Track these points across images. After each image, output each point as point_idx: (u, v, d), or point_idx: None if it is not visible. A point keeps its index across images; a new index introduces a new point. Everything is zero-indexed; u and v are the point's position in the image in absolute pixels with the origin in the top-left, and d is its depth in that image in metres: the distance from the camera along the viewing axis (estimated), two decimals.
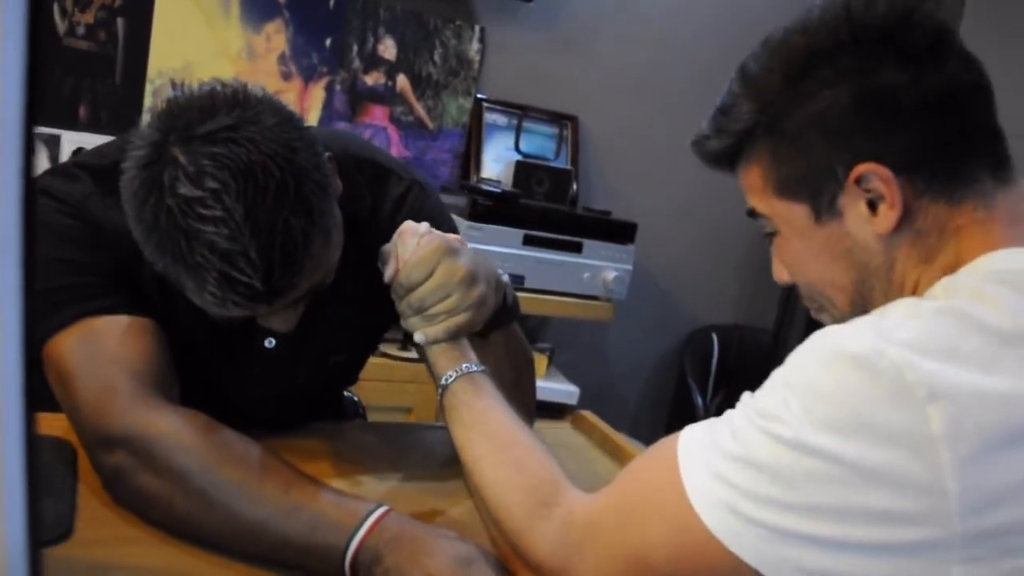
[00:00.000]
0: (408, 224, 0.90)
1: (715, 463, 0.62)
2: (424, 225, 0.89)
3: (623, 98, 2.53)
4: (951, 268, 0.68)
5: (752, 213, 0.79)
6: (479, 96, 2.35)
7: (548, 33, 2.40)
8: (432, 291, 0.85)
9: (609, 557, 0.67)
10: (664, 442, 0.68)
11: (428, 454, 1.09)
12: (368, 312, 1.01)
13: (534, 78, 2.41)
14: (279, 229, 0.71)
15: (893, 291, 0.72)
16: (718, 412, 2.48)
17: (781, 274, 0.82)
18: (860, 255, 0.72)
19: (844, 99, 0.69)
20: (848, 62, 0.69)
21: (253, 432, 0.81)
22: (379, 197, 1.00)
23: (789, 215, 0.74)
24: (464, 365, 0.87)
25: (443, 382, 0.87)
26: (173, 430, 0.76)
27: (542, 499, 0.73)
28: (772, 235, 0.79)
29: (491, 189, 2.10)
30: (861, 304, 0.74)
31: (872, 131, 0.69)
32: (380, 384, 1.22)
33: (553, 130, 2.42)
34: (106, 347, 0.81)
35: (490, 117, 2.35)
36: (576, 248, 2.15)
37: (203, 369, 0.93)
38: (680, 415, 2.73)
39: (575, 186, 2.35)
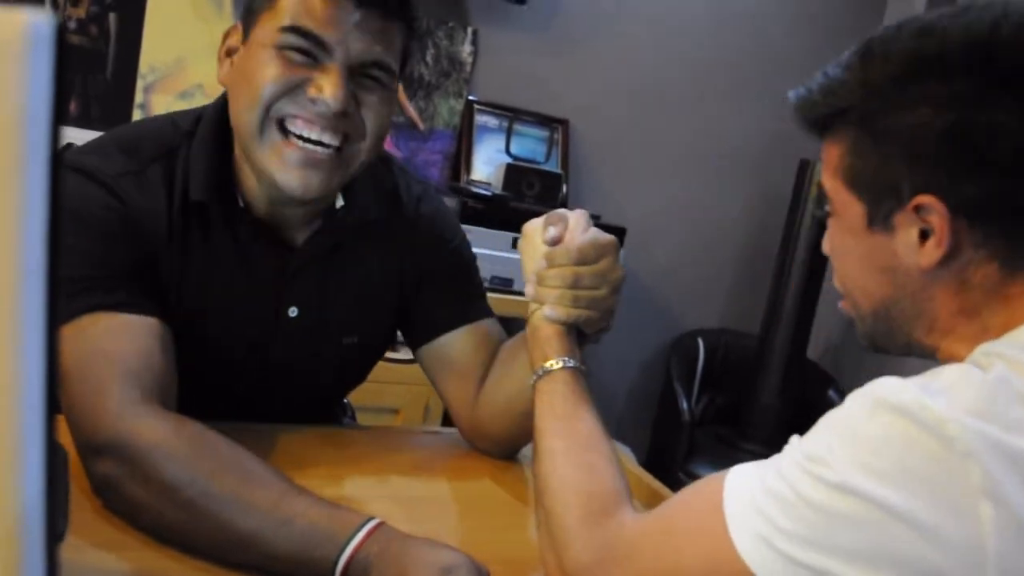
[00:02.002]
0: (574, 210, 0.94)
1: (757, 497, 0.63)
2: (584, 211, 0.93)
3: (614, 102, 2.55)
4: (995, 333, 0.68)
5: (820, 188, 0.83)
6: (471, 98, 2.35)
7: (540, 36, 2.41)
8: (593, 275, 0.88)
9: (643, 574, 0.69)
10: (715, 475, 0.70)
11: (421, 461, 1.09)
12: (382, 302, 1.06)
13: (526, 81, 2.41)
14: None
15: (921, 326, 0.73)
16: (703, 416, 2.53)
17: (825, 245, 0.81)
18: (899, 277, 0.72)
19: (940, 124, 0.66)
20: (963, 89, 0.66)
21: (251, 427, 0.80)
22: (404, 194, 1.05)
23: (846, 207, 0.74)
24: (572, 359, 0.88)
25: (547, 366, 0.88)
26: (164, 439, 0.75)
27: (601, 507, 0.75)
28: (829, 214, 0.78)
29: (481, 192, 2.11)
30: (885, 317, 0.75)
31: (953, 165, 0.67)
32: (368, 385, 1.22)
33: (544, 133, 2.43)
34: (104, 346, 0.80)
35: (481, 119, 2.36)
36: None
37: (224, 342, 0.95)
38: (665, 418, 2.75)
39: (565, 189, 2.36)
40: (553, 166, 2.41)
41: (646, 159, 2.63)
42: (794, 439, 0.67)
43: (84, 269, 0.83)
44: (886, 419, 0.59)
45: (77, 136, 1.82)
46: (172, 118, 0.97)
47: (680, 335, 2.85)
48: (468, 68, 2.32)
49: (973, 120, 0.65)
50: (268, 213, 0.96)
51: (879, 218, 0.71)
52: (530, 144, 2.41)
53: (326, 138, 0.87)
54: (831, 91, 0.74)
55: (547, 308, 0.89)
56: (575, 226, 0.91)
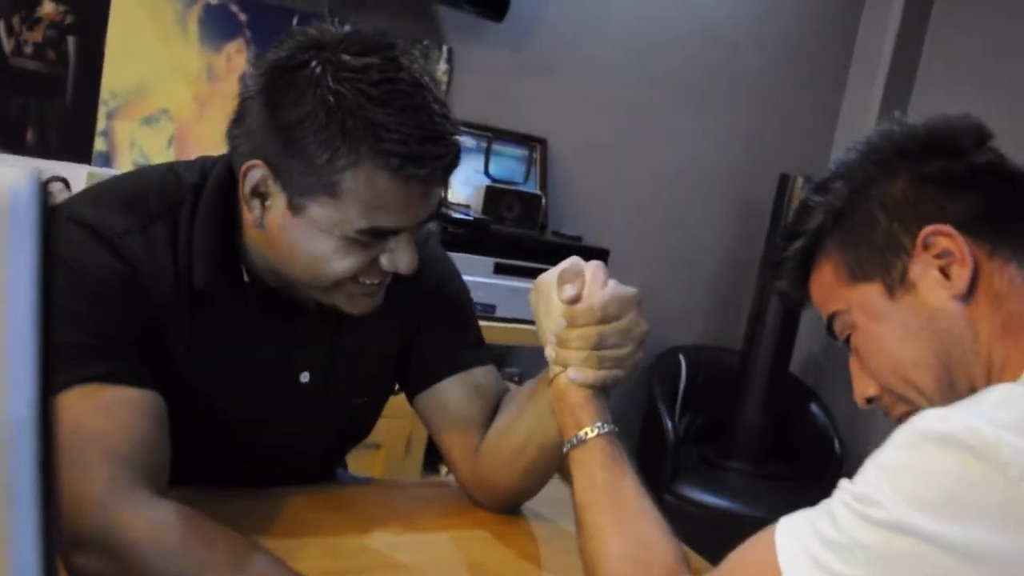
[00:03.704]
0: (590, 262, 0.90)
1: (811, 547, 0.63)
2: (600, 263, 0.89)
3: (592, 120, 2.50)
4: None
5: (830, 325, 0.81)
6: None
7: (517, 54, 2.36)
8: (616, 333, 0.84)
9: None
10: (764, 531, 0.69)
11: (422, 521, 1.03)
12: (388, 356, 1.03)
13: (502, 99, 2.36)
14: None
15: (979, 366, 0.72)
16: (686, 434, 2.47)
17: (865, 388, 0.81)
18: (940, 323, 0.73)
19: (901, 183, 0.75)
20: (901, 158, 0.76)
21: (248, 493, 0.77)
22: None
23: (864, 299, 0.76)
24: (605, 423, 0.85)
25: (582, 435, 0.84)
26: (152, 532, 0.70)
27: None
28: (849, 339, 0.80)
29: (462, 216, 2.05)
30: (948, 381, 0.74)
31: (931, 199, 0.73)
32: None
33: (522, 152, 2.38)
34: (93, 424, 0.75)
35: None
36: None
37: (230, 412, 0.92)
38: (649, 438, 2.71)
39: (544, 210, 2.31)
40: (532, 187, 2.36)
41: (624, 177, 2.59)
42: (844, 482, 0.66)
43: (80, 336, 0.78)
44: (933, 450, 0.59)
45: (36, 167, 1.73)
46: (172, 168, 0.92)
47: (662, 353, 2.81)
48: (444, 87, 2.26)
49: (920, 170, 0.74)
50: (277, 286, 0.92)
51: (897, 281, 0.74)
52: (508, 164, 2.35)
53: (391, 277, 0.89)
54: (800, 225, 0.80)
55: (572, 371, 0.85)
56: (593, 281, 0.86)
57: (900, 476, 0.60)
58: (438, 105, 0.82)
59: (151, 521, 0.71)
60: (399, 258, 0.85)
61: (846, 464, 2.68)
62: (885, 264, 0.74)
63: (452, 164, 0.84)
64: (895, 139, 0.77)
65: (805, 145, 2.94)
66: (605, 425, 0.84)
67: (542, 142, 2.40)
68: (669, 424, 2.59)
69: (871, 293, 0.76)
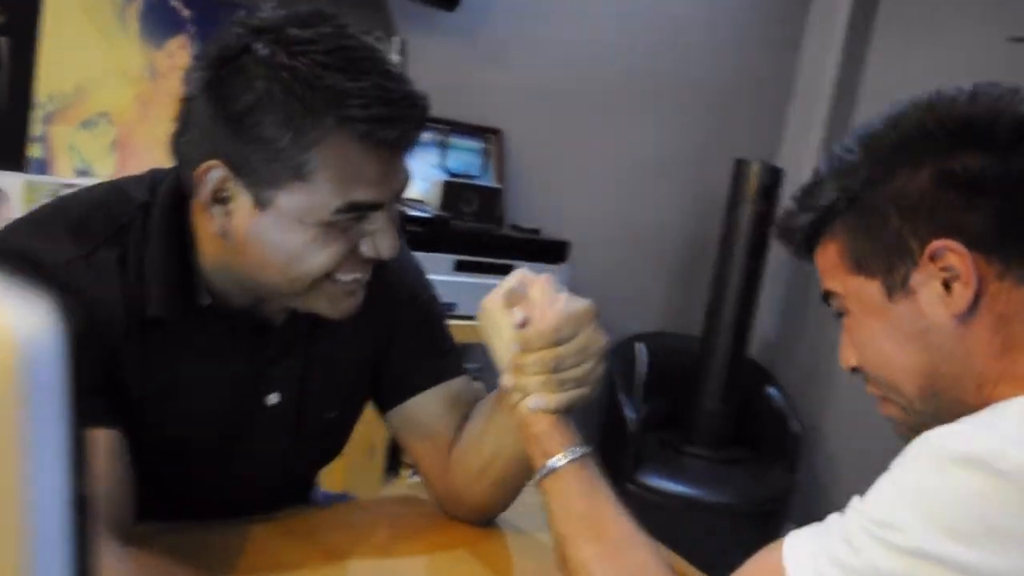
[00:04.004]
0: (533, 275, 0.85)
1: (828, 573, 0.61)
2: (549, 276, 0.85)
3: (547, 110, 2.47)
4: None
5: (826, 297, 0.80)
6: None
7: (470, 44, 2.31)
8: (574, 352, 0.80)
9: None
10: (767, 554, 0.67)
11: (396, 542, 1.00)
12: (361, 370, 0.99)
13: (457, 91, 2.31)
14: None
15: (969, 380, 0.71)
16: (647, 422, 2.47)
17: (848, 357, 0.80)
18: (934, 337, 0.71)
19: (923, 179, 0.70)
20: (929, 147, 0.70)
21: (218, 526, 0.75)
22: None
23: (862, 292, 0.74)
24: (575, 447, 0.81)
25: (551, 464, 0.80)
26: None
27: None
28: (842, 315, 0.79)
29: (420, 214, 2.00)
30: (931, 391, 0.73)
31: (949, 207, 0.69)
32: None
33: (478, 145, 2.33)
34: None
35: None
36: (508, 271, 2.07)
37: (196, 441, 0.88)
38: (610, 427, 2.71)
39: (503, 204, 2.27)
40: (489, 180, 2.32)
41: (581, 166, 2.57)
42: (855, 501, 0.64)
43: None
44: (960, 474, 0.57)
45: None
46: (118, 186, 0.87)
47: (621, 341, 2.81)
48: None
49: (948, 168, 0.69)
50: (243, 305, 0.87)
51: (897, 285, 0.71)
52: (465, 157, 2.31)
53: (371, 271, 0.84)
54: (813, 199, 0.76)
55: (534, 399, 0.82)
56: (542, 300, 0.82)
57: (923, 500, 0.58)
58: (394, 67, 0.78)
59: (111, 572, 0.67)
60: (380, 241, 0.81)
61: (804, 445, 2.72)
62: (889, 265, 0.72)
63: (421, 123, 0.80)
64: (928, 125, 0.71)
65: (760, 130, 2.95)
66: (576, 449, 0.81)
67: (498, 133, 2.35)
68: (630, 414, 2.60)
69: (870, 288, 0.74)
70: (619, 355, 2.78)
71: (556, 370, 0.81)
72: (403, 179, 0.82)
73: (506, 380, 0.84)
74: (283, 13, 0.78)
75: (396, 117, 0.76)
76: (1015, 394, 0.67)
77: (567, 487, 0.79)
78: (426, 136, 2.26)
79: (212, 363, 0.87)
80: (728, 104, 2.84)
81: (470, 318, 2.02)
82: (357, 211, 0.78)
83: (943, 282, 0.69)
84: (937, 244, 0.68)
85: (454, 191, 2.13)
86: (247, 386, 0.90)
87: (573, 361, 0.81)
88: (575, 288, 2.48)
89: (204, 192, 0.78)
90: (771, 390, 2.80)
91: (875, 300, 0.73)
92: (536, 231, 2.23)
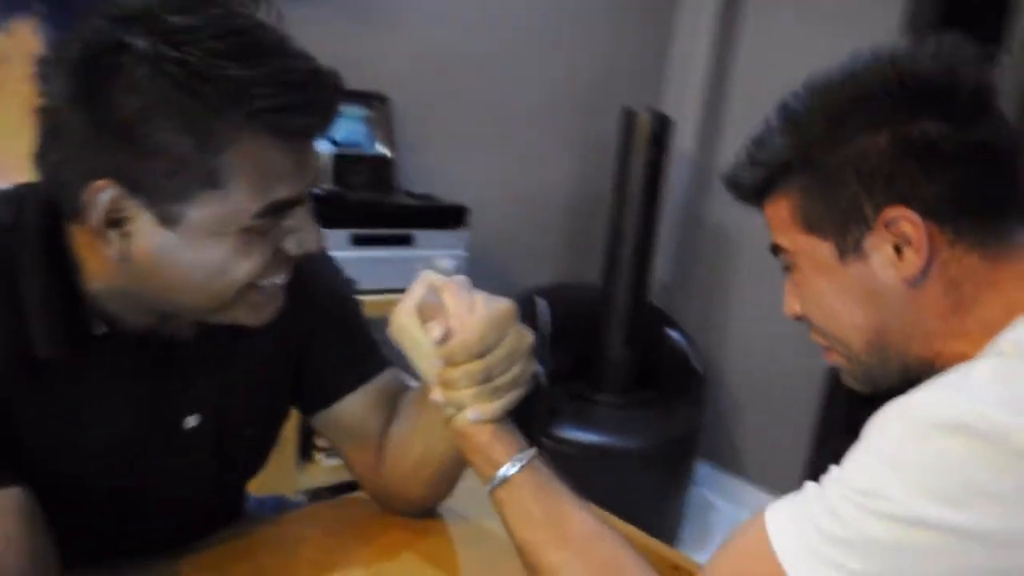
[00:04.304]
0: (445, 279, 0.80)
1: (819, 547, 0.61)
2: (461, 277, 0.80)
3: (432, 72, 2.40)
4: (998, 323, 0.68)
5: (775, 250, 0.80)
6: None
7: (350, 7, 2.20)
8: (503, 359, 0.76)
9: None
10: (749, 530, 0.67)
11: (335, 549, 0.96)
12: (281, 378, 0.94)
13: (338, 57, 2.20)
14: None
15: (918, 336, 0.73)
16: (554, 375, 2.47)
17: (792, 306, 0.81)
18: (884, 298, 0.72)
19: (882, 143, 0.70)
20: (889, 109, 0.70)
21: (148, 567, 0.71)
22: None
23: (814, 252, 0.75)
24: (524, 451, 0.78)
25: (501, 474, 0.78)
26: None
27: None
28: (789, 269, 0.79)
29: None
30: (879, 346, 0.75)
31: (906, 176, 0.69)
32: None
33: (364, 112, 2.25)
34: None
35: None
36: (407, 241, 2.03)
37: (110, 478, 0.81)
38: None
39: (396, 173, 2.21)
40: (377, 148, 2.25)
41: (470, 126, 2.52)
42: (834, 471, 0.65)
43: None
44: (942, 439, 0.58)
45: None
46: None
47: (522, 297, 2.81)
48: None
49: (906, 132, 0.69)
50: (145, 326, 0.80)
51: (850, 248, 0.72)
52: (351, 127, 2.22)
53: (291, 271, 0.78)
54: (765, 154, 0.76)
55: (470, 412, 0.78)
56: (458, 308, 0.78)
57: (908, 467, 0.59)
58: (295, 45, 0.72)
59: None
60: (305, 237, 0.75)
61: (707, 384, 2.81)
62: (843, 228, 0.72)
63: (335, 104, 0.75)
64: (889, 84, 0.70)
65: (645, 78, 2.96)
66: (523, 454, 0.79)
67: (383, 99, 2.28)
68: (539, 368, 2.61)
69: (822, 249, 0.74)
70: (522, 311, 2.77)
71: (487, 380, 0.77)
72: (317, 167, 0.77)
73: (436, 396, 0.81)
74: None
75: (308, 102, 0.70)
76: (963, 350, 0.70)
77: (522, 495, 0.78)
78: None
79: (117, 395, 0.80)
80: (611, 52, 2.83)
81: (372, 292, 2.00)
82: (278, 211, 0.72)
83: (894, 246, 0.70)
84: (893, 212, 0.69)
85: (344, 163, 2.06)
86: (161, 412, 0.84)
87: (503, 367, 0.77)
88: (473, 250, 2.46)
89: (95, 216, 0.69)
90: (672, 333, 2.87)
91: (826, 260, 0.74)
92: (431, 197, 2.18)
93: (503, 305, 0.78)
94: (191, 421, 0.86)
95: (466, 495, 1.02)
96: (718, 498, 2.92)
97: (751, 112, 2.95)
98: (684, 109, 2.89)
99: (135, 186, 0.68)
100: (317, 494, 1.97)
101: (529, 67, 2.62)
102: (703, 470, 2.91)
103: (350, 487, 1.08)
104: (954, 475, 0.58)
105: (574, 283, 2.92)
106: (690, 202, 2.99)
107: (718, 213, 2.95)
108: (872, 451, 0.63)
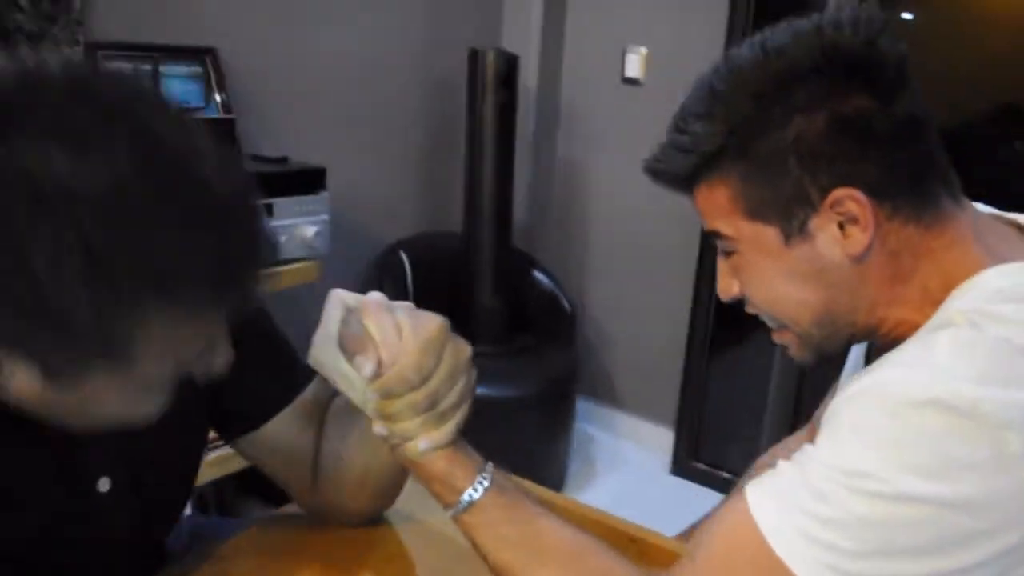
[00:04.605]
0: (365, 299, 0.70)
1: (809, 529, 0.63)
2: (377, 294, 0.70)
3: (264, 21, 2.19)
4: (939, 289, 0.71)
5: (711, 235, 0.78)
6: (91, 42, 1.85)
7: None
8: (444, 382, 0.68)
9: None
10: (734, 519, 0.67)
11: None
12: (198, 406, 0.82)
13: (158, 9, 1.96)
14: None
15: (863, 305, 0.75)
16: None
17: (730, 288, 0.80)
18: (830, 275, 0.74)
19: (819, 125, 0.69)
20: (820, 88, 0.70)
21: None
22: None
23: (757, 237, 0.74)
24: (485, 472, 0.72)
25: (465, 499, 0.71)
26: None
27: None
28: (730, 254, 0.78)
29: None
30: (828, 319, 0.76)
31: (846, 156, 0.70)
32: None
33: (193, 70, 2.02)
34: None
35: (112, 67, 1.88)
36: (267, 211, 1.85)
37: (36, 552, 0.72)
38: None
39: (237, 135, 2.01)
40: (215, 110, 2.03)
41: (312, 81, 2.33)
42: (810, 451, 0.66)
43: None
44: (917, 417, 0.61)
45: None
46: None
47: (384, 252, 2.69)
48: (77, 4, 1.81)
49: (841, 112, 0.69)
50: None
51: (795, 231, 0.73)
52: (182, 87, 1.99)
53: None
54: (693, 141, 0.73)
55: (421, 443, 0.70)
56: (386, 336, 0.68)
57: (891, 447, 0.61)
58: (227, 173, 0.57)
59: None
60: (215, 362, 0.65)
61: (578, 322, 2.82)
62: (787, 213, 0.72)
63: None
64: (816, 60, 0.69)
65: (486, 16, 2.85)
66: (484, 475, 0.72)
67: (212, 53, 2.05)
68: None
69: (766, 234, 0.74)
70: (386, 267, 2.67)
71: (432, 406, 0.69)
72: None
73: (378, 429, 0.71)
74: (20, 83, 0.54)
75: (242, 277, 0.59)
76: (904, 315, 0.74)
77: (491, 517, 0.72)
78: (127, 68, 1.91)
79: (15, 473, 0.68)
80: None
81: None
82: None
83: (838, 224, 0.71)
84: (839, 193, 0.70)
85: None
86: (67, 481, 0.72)
87: (446, 388, 0.69)
88: (332, 212, 2.26)
89: None
90: (538, 274, 2.85)
91: (771, 245, 0.74)
92: (284, 159, 2.00)
93: (433, 324, 0.69)
94: (103, 484, 0.75)
95: (404, 493, 0.94)
96: (597, 430, 2.97)
97: (590, 45, 2.94)
98: (526, 46, 2.81)
99: (19, 352, 0.55)
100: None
101: (366, 12, 2.45)
102: (580, 405, 2.94)
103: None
104: (932, 449, 0.60)
105: (437, 233, 2.83)
106: (538, 139, 2.95)
107: (566, 149, 2.92)
108: (850, 431, 0.64)
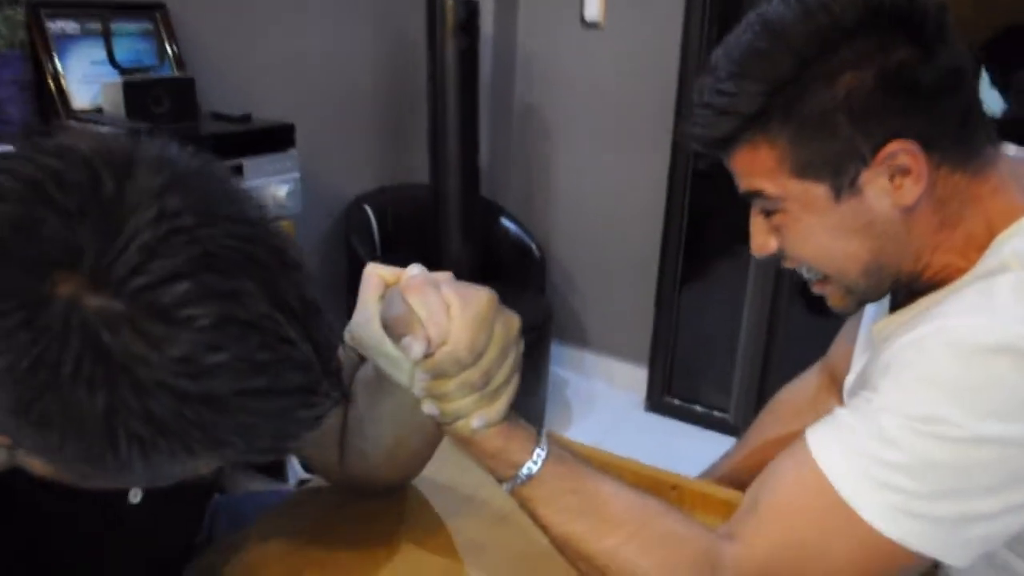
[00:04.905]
0: (406, 275, 0.66)
1: (879, 474, 0.64)
2: (418, 267, 0.67)
3: None
4: (983, 235, 0.72)
5: (750, 195, 0.78)
6: (35, 0, 1.74)
7: None
8: (497, 358, 0.64)
9: None
10: (799, 467, 0.68)
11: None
12: None
13: None
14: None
15: (909, 253, 0.76)
16: None
17: (766, 245, 0.80)
18: (879, 227, 0.74)
19: (868, 81, 0.69)
20: (866, 42, 0.69)
21: None
22: None
23: (805, 195, 0.74)
24: (541, 443, 0.69)
25: (524, 473, 0.69)
26: None
27: (708, 569, 0.69)
28: (771, 212, 0.76)
29: (106, 131, 1.62)
30: (876, 268, 0.77)
31: (896, 110, 0.70)
32: None
33: (143, 27, 1.91)
34: None
35: (56, 26, 1.77)
36: (237, 172, 1.79)
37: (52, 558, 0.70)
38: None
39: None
40: (169, 70, 1.93)
41: (263, 34, 2.24)
42: (875, 399, 0.67)
43: None
44: (990, 361, 0.62)
45: None
46: None
47: (349, 206, 2.63)
48: None
49: (889, 66, 0.69)
50: None
51: (845, 186, 0.73)
52: (133, 46, 1.89)
53: None
54: (735, 103, 0.73)
55: (474, 421, 0.67)
56: (433, 314, 0.62)
57: (963, 392, 0.63)
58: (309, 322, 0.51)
59: None
60: None
61: (548, 267, 2.81)
62: (838, 169, 0.72)
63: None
64: (859, 11, 0.69)
65: None
66: (541, 446, 0.69)
67: (163, 8, 1.94)
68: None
69: (816, 191, 0.74)
70: (352, 221, 2.61)
71: (486, 385, 0.66)
72: None
73: (428, 409, 0.68)
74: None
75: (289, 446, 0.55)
76: (949, 260, 0.75)
77: (552, 489, 0.70)
78: (72, 27, 1.80)
79: (58, 500, 0.64)
80: None
81: None
82: None
83: (889, 176, 0.72)
84: (892, 147, 0.70)
85: (138, 91, 1.75)
86: (100, 497, 0.67)
87: (498, 365, 0.65)
88: (302, 170, 2.17)
89: None
90: (505, 221, 2.82)
91: (819, 201, 0.74)
92: (247, 117, 1.92)
93: (482, 298, 0.65)
94: (134, 496, 0.73)
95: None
96: (570, 373, 2.99)
97: None
98: None
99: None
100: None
101: None
102: (552, 349, 2.95)
103: None
104: (1005, 392, 0.62)
105: (403, 184, 2.77)
106: (497, 86, 2.89)
107: (525, 94, 2.87)
108: (920, 378, 0.65)
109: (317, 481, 0.96)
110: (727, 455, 1.24)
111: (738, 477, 1.11)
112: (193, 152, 0.52)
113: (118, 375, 0.44)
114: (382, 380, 0.76)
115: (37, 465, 0.55)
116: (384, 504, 0.92)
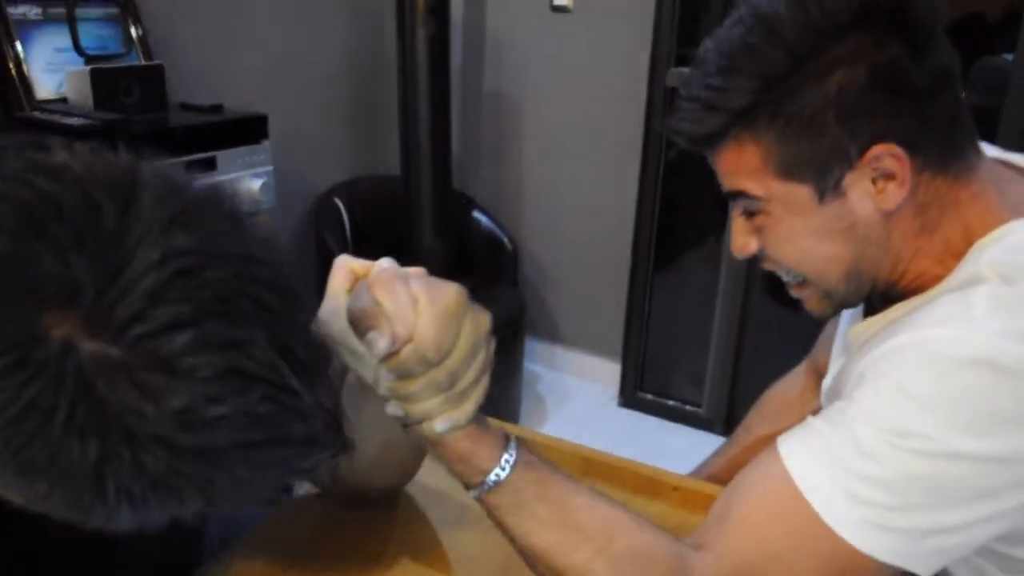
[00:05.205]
0: (376, 268, 0.62)
1: (852, 487, 0.63)
2: (388, 261, 0.64)
3: None
4: (960, 242, 0.71)
5: (733, 195, 0.76)
6: None
7: None
8: (465, 358, 0.61)
9: None
10: (770, 478, 0.67)
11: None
12: None
13: None
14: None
15: (887, 263, 0.75)
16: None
17: (747, 246, 0.79)
18: (860, 230, 0.73)
19: (860, 78, 0.67)
20: (859, 40, 0.67)
21: None
22: None
23: (789, 196, 0.72)
24: (507, 449, 0.66)
25: (491, 479, 0.65)
26: None
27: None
28: (753, 213, 0.76)
29: (78, 121, 1.56)
30: (855, 275, 0.76)
31: (885, 111, 0.68)
32: None
33: (107, 11, 1.84)
34: None
35: (18, 11, 1.70)
36: (210, 166, 1.74)
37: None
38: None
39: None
40: (136, 58, 1.87)
41: (231, 21, 2.18)
42: (844, 407, 0.66)
43: None
44: (966, 375, 0.61)
45: None
46: None
47: (320, 198, 2.58)
48: None
49: (880, 64, 0.67)
50: None
51: (830, 189, 0.71)
52: (98, 32, 1.82)
53: None
54: (723, 99, 0.70)
55: (439, 424, 0.63)
56: (399, 310, 0.59)
57: (940, 406, 0.62)
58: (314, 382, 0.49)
59: None
60: None
61: (520, 259, 2.79)
62: (823, 170, 0.70)
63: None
64: (853, 6, 0.66)
65: None
66: (510, 451, 0.66)
67: None
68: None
69: (798, 193, 0.72)
70: (323, 214, 2.57)
71: (453, 385, 0.62)
72: None
73: (392, 410, 0.65)
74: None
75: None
76: (925, 268, 0.74)
77: (520, 497, 0.66)
78: (34, 12, 1.73)
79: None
80: None
81: None
82: None
83: (872, 179, 0.70)
84: (878, 149, 0.68)
85: (107, 79, 1.68)
86: None
87: (466, 365, 0.62)
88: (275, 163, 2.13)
89: None
90: (478, 214, 2.79)
91: (802, 203, 0.72)
92: (219, 107, 1.86)
93: (451, 294, 0.61)
94: None
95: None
96: (542, 368, 2.98)
97: None
98: None
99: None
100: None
101: None
102: (525, 344, 2.94)
103: None
104: (981, 406, 0.61)
105: (374, 176, 2.73)
106: (466, 72, 2.85)
107: (494, 81, 2.84)
108: (896, 390, 0.64)
109: (311, 489, 0.93)
110: (716, 453, 1.24)
111: (728, 476, 1.11)
112: (195, 175, 0.50)
113: (112, 425, 0.41)
114: (362, 395, 0.73)
115: (18, 498, 0.51)
116: (378, 513, 0.89)
